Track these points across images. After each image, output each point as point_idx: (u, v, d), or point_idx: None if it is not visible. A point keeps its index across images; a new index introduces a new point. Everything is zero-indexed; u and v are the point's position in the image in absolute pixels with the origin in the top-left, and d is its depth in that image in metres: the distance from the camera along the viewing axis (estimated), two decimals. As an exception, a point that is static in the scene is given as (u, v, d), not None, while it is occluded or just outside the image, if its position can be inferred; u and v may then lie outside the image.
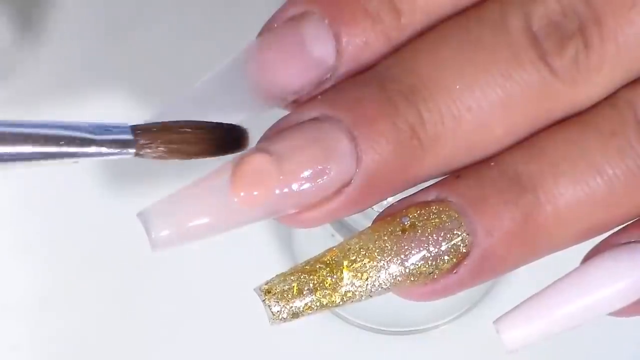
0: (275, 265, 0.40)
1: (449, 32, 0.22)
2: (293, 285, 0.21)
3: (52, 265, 0.41)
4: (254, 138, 0.23)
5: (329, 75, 0.22)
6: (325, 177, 0.22)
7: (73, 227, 0.41)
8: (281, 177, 0.21)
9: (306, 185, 0.22)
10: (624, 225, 0.23)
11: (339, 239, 0.34)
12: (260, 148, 0.22)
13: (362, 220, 0.33)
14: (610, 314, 0.23)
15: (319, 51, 0.22)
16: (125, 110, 0.42)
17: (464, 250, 0.22)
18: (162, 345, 0.40)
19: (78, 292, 0.40)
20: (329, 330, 0.40)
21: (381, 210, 0.23)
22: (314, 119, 0.22)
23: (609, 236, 0.23)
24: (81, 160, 0.21)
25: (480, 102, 0.22)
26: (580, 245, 0.23)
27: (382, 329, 0.39)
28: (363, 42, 0.22)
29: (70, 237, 0.41)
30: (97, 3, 0.44)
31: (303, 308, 0.21)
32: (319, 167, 0.22)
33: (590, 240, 0.23)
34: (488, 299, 0.39)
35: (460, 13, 0.22)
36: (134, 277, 0.40)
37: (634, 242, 0.23)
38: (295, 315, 0.21)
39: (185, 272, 0.40)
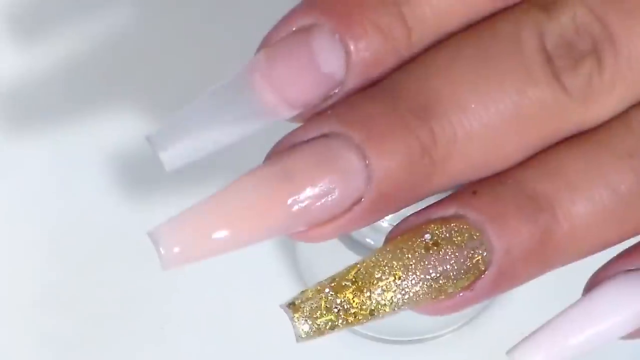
0: (277, 268, 0.40)
1: (462, 48, 0.22)
2: (320, 302, 0.22)
3: (52, 266, 0.41)
4: (260, 151, 0.23)
5: (337, 90, 0.22)
6: (335, 196, 0.22)
7: (74, 227, 0.41)
8: (290, 196, 0.22)
9: (316, 204, 0.22)
10: (628, 251, 0.24)
11: (342, 246, 0.34)
12: (269, 165, 0.22)
13: (370, 233, 0.33)
14: (620, 338, 0.23)
15: (329, 66, 0.22)
16: (132, 117, 0.42)
17: (482, 268, 0.22)
18: (164, 349, 0.40)
19: (79, 293, 0.40)
20: (332, 339, 0.40)
21: (396, 227, 0.23)
22: (324, 135, 0.22)
23: (615, 262, 0.23)
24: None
25: (494, 119, 0.22)
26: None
27: (385, 337, 0.40)
28: (373, 57, 0.22)
29: (71, 238, 0.41)
30: (98, 5, 0.44)
31: (330, 326, 0.22)
32: (329, 186, 0.22)
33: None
34: (492, 308, 0.40)
35: (472, 29, 0.22)
36: (136, 282, 0.40)
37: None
38: (321, 332, 0.21)
39: (187, 277, 0.40)
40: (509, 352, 0.23)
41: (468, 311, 0.39)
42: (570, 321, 0.23)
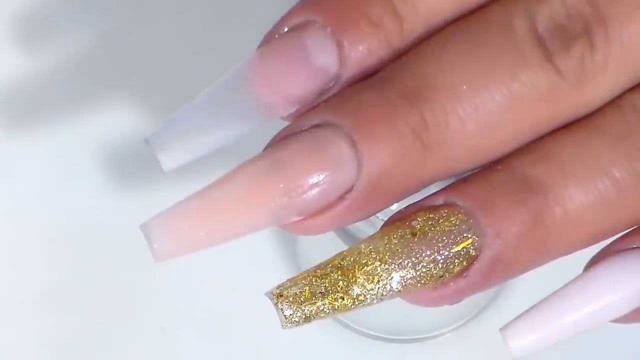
0: (278, 267, 0.40)
1: (454, 35, 0.22)
2: (305, 288, 0.21)
3: (52, 265, 0.41)
4: (258, 149, 0.23)
5: (332, 84, 0.22)
6: (326, 184, 0.22)
7: (74, 227, 0.41)
8: (281, 185, 0.22)
9: (307, 192, 0.22)
10: (628, 231, 0.23)
11: (341, 243, 0.34)
12: (261, 157, 0.22)
13: (367, 229, 0.33)
14: (613, 321, 0.23)
15: (322, 60, 0.22)
16: (130, 116, 0.42)
17: (474, 254, 0.22)
18: (164, 347, 0.40)
19: (79, 293, 0.40)
20: (333, 339, 0.40)
21: (387, 219, 0.23)
22: (316, 126, 0.22)
23: (613, 242, 0.23)
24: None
25: (487, 103, 0.22)
26: (584, 253, 0.23)
27: (386, 336, 0.39)
28: (366, 49, 0.22)
29: (71, 237, 0.41)
30: (97, 6, 0.44)
31: (315, 311, 0.21)
32: (320, 174, 0.22)
33: (593, 246, 0.23)
34: (493, 307, 0.39)
35: (463, 19, 0.23)
36: (136, 281, 0.40)
37: (638, 247, 0.23)
38: (307, 319, 0.21)
39: (187, 274, 0.40)
40: (501, 330, 0.23)
41: (469, 310, 0.39)
42: (565, 299, 0.23)
